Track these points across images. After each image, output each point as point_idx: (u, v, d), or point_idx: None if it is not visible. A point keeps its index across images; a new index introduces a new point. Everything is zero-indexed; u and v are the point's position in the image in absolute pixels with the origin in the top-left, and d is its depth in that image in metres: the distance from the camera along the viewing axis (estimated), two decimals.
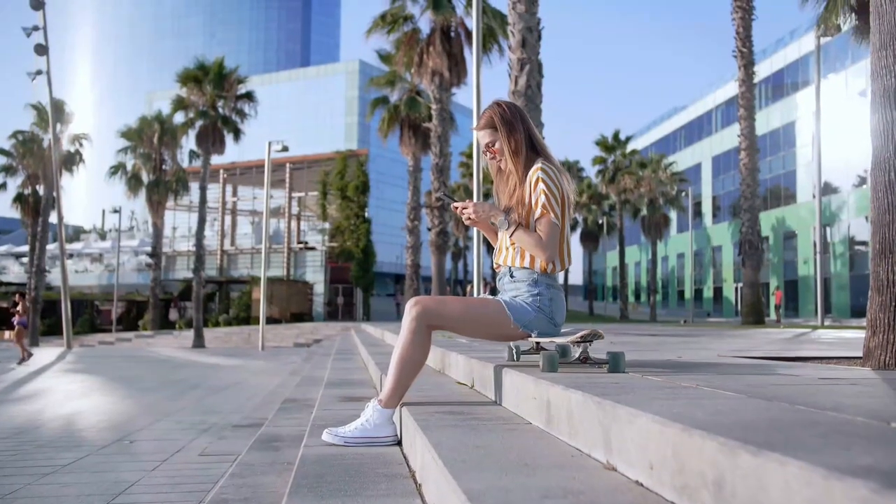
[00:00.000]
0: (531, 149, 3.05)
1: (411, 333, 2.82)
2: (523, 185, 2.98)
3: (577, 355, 2.70)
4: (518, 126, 3.04)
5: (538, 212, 2.89)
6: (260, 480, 2.96)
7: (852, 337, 8.80)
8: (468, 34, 24.15)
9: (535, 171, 2.93)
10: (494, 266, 3.15)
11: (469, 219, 3.04)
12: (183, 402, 7.87)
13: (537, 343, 3.15)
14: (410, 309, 2.84)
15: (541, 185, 2.90)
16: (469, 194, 43.61)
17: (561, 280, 3.03)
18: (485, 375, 3.16)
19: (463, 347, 4.73)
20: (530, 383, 2.38)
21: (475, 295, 10.29)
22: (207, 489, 3.39)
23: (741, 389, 1.99)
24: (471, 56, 22.61)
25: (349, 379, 6.07)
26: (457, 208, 3.05)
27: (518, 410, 2.54)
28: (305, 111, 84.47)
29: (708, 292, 53.49)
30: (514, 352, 3.28)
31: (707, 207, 53.06)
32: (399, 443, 2.79)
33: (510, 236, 2.95)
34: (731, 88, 48.19)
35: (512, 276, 2.98)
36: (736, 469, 1.10)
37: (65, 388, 9.75)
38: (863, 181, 36.16)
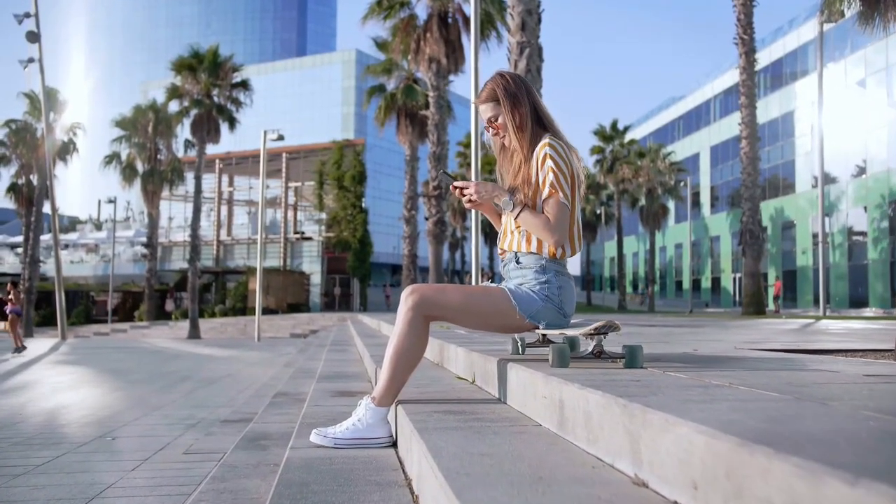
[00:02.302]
0: (537, 123, 2.79)
1: (407, 325, 2.58)
2: (529, 163, 2.73)
3: (589, 349, 2.46)
4: (523, 99, 2.78)
5: (546, 191, 2.65)
6: (242, 485, 2.73)
7: (861, 328, 8.59)
8: (466, 20, 23.81)
9: (542, 147, 2.68)
10: (499, 252, 2.90)
11: (470, 201, 2.78)
12: (173, 395, 7.63)
13: (544, 335, 2.91)
14: (406, 298, 2.60)
15: (548, 163, 2.65)
16: None
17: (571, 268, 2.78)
18: (487, 370, 2.92)
19: (462, 339, 4.49)
20: (539, 380, 2.14)
21: (475, 285, 10.05)
22: (188, 493, 3.15)
23: (783, 389, 1.75)
24: (468, 42, 22.34)
25: (343, 372, 5.84)
26: (456, 188, 2.80)
27: (525, 410, 2.30)
28: (302, 101, 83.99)
29: (706, 283, 53.31)
30: (518, 344, 3.04)
31: (705, 197, 52.81)
32: (394, 444, 2.56)
33: (515, 218, 2.70)
34: (730, 78, 47.89)
35: (518, 262, 2.73)
36: (821, 501, 0.86)
37: (53, 381, 9.51)
38: (861, 171, 35.97)
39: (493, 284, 2.75)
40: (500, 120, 2.80)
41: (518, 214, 2.67)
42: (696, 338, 5.18)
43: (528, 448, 1.76)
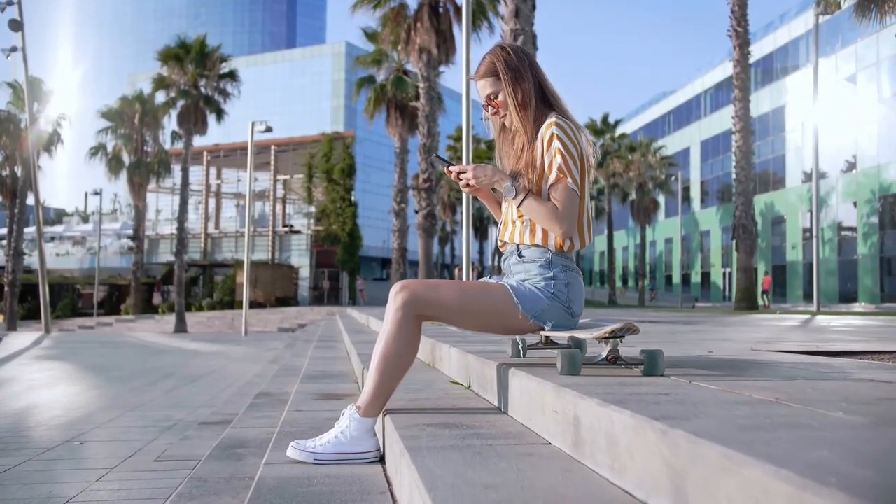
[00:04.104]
0: (542, 101, 2.50)
1: (397, 325, 2.29)
2: (533, 145, 2.44)
3: (603, 354, 2.17)
4: (526, 73, 2.49)
5: (553, 176, 2.35)
6: (211, 503, 2.43)
7: (863, 324, 8.38)
8: (457, 9, 23.45)
9: (549, 126, 2.39)
10: (499, 244, 2.61)
11: (468, 185, 2.49)
12: (152, 393, 7.32)
13: (547, 337, 2.63)
14: (396, 295, 2.31)
15: (555, 144, 2.36)
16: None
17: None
18: (485, 375, 2.64)
19: (455, 338, 4.20)
20: (549, 391, 1.86)
21: (465, 279, 9.78)
22: None
23: (848, 408, 1.47)
24: (460, 32, 22.01)
25: (329, 371, 5.55)
26: (451, 173, 2.50)
27: (530, 424, 2.02)
28: (291, 94, 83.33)
29: (696, 277, 53.26)
30: (519, 346, 2.75)
31: (695, 192, 52.72)
32: (382, 458, 2.28)
33: (518, 206, 2.41)
34: (720, 73, 47.75)
35: (520, 255, 2.44)
36: None
37: (30, 377, 9.17)
38: (851, 166, 35.90)
39: (492, 280, 2.47)
40: (500, 97, 2.51)
41: (521, 202, 2.38)
42: (701, 337, 4.92)
43: (539, 476, 1.48)
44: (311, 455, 2.26)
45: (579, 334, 2.17)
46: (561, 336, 2.33)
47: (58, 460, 3.93)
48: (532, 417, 2.01)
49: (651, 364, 2.07)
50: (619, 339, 2.13)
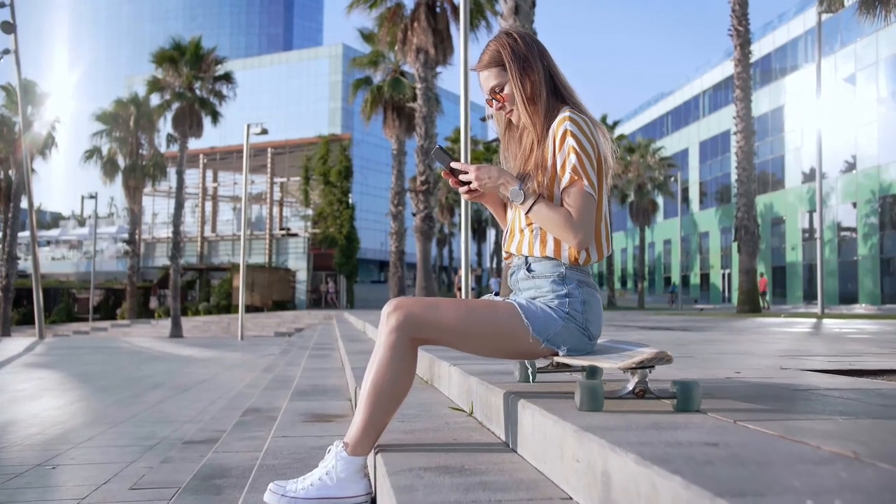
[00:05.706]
0: (553, 94, 2.20)
1: (390, 350, 2.00)
2: (544, 143, 2.14)
3: (630, 387, 1.87)
4: (535, 63, 2.19)
5: (566, 178, 2.06)
6: None
7: (875, 329, 8.10)
8: (454, 8, 23.18)
9: (561, 122, 2.09)
10: (504, 255, 2.31)
11: (469, 190, 2.19)
12: (138, 406, 7.01)
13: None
14: (388, 316, 2.01)
15: (569, 141, 2.06)
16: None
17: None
18: (490, 403, 2.34)
19: (455, 356, 3.90)
20: (569, 435, 1.56)
21: (464, 284, 9.49)
22: None
23: None
24: (457, 32, 21.75)
25: (321, 385, 5.25)
26: (450, 177, 2.20)
27: (546, 469, 1.72)
28: (288, 96, 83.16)
29: (695, 279, 53.05)
30: (528, 370, 2.46)
31: (694, 193, 52.50)
32: (373, 502, 1.99)
33: (527, 213, 2.11)
34: (718, 73, 47.53)
35: (529, 269, 2.14)
36: None
37: (15, 388, 8.85)
38: (851, 167, 35.68)
39: (498, 298, 2.17)
40: (506, 90, 2.21)
41: (530, 208, 2.09)
42: (718, 348, 4.62)
43: None
44: (292, 500, 1.97)
45: (600, 362, 1.87)
46: (580, 364, 2.03)
47: (25, 489, 3.62)
48: (547, 461, 1.72)
49: (685, 398, 1.77)
50: (648, 369, 1.83)
